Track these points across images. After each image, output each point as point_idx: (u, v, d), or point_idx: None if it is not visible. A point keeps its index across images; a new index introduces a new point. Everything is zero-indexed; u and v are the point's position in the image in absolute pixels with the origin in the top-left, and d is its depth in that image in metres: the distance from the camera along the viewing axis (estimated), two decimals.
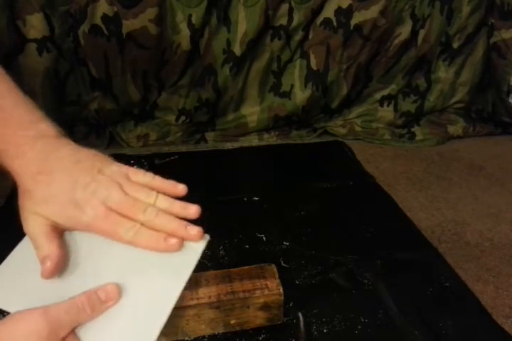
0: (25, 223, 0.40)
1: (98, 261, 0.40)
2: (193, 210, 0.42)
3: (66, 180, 0.40)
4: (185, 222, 0.41)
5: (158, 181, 0.44)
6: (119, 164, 0.43)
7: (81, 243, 0.41)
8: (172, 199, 0.43)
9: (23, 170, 0.41)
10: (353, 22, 1.12)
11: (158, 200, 0.42)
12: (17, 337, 0.33)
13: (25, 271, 0.39)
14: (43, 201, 0.39)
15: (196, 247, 0.42)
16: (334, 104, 1.25)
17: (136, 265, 0.40)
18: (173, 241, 0.40)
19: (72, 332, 0.35)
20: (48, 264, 0.37)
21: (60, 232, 0.40)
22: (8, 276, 0.39)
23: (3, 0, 0.92)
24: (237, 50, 1.10)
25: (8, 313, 0.36)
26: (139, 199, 0.41)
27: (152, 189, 0.42)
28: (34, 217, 0.39)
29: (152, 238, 0.40)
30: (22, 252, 0.40)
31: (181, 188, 0.44)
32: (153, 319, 0.38)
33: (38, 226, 0.39)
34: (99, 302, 0.36)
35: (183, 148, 1.18)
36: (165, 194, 0.43)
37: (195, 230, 0.41)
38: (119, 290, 0.37)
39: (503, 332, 0.64)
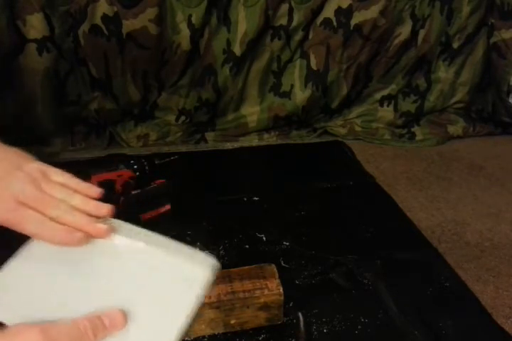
0: None
1: (101, 277, 0.38)
2: (106, 209, 0.42)
3: None
4: (95, 219, 0.41)
5: (74, 182, 0.43)
6: (41, 163, 0.43)
7: (81, 257, 0.39)
8: (87, 199, 0.42)
9: None
10: (353, 22, 1.12)
11: (73, 198, 0.41)
12: None
13: (25, 280, 0.38)
14: None
15: (200, 276, 0.38)
16: (334, 104, 1.25)
17: (141, 285, 0.37)
18: (79, 234, 0.39)
19: None
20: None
21: None
22: (7, 284, 0.38)
23: (3, 0, 0.92)
24: (237, 50, 1.10)
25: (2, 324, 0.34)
26: (53, 195, 0.41)
27: (69, 188, 0.42)
28: None
29: (58, 231, 0.39)
30: (22, 259, 0.40)
31: (95, 191, 0.43)
32: None
33: None
34: (102, 328, 0.34)
35: (183, 148, 1.18)
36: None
37: (103, 226, 0.40)
38: (125, 317, 0.34)
39: (503, 332, 0.64)
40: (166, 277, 0.38)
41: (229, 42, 1.10)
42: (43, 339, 0.31)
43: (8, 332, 0.32)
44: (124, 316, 0.34)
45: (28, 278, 0.38)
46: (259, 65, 1.16)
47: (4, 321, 0.34)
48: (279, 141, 1.24)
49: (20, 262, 0.39)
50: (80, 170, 0.63)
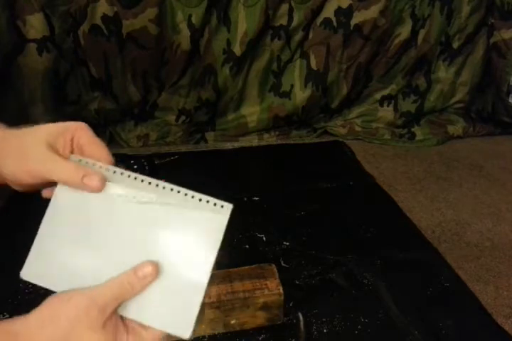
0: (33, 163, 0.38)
1: (127, 230, 0.40)
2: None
3: None
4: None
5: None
6: None
7: (101, 213, 0.40)
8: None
9: None
10: (353, 22, 1.12)
11: None
12: (65, 318, 0.34)
13: (60, 244, 0.39)
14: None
15: (221, 218, 0.42)
16: (334, 104, 1.25)
17: (166, 236, 0.40)
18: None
19: (115, 314, 0.37)
20: (94, 181, 0.38)
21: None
22: (45, 252, 0.39)
23: (3, 0, 0.92)
24: (237, 50, 1.10)
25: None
26: None
27: None
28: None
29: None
30: (51, 224, 0.40)
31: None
32: (192, 290, 0.39)
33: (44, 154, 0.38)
34: (138, 280, 0.37)
35: (183, 148, 1.18)
36: None
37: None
38: (156, 268, 0.38)
39: (503, 332, 0.64)
40: (187, 226, 0.41)
41: (229, 42, 1.10)
42: (91, 303, 0.35)
43: (61, 298, 0.35)
44: (155, 266, 0.38)
45: (63, 240, 0.39)
46: (259, 65, 1.16)
47: (52, 288, 0.37)
48: (279, 141, 1.24)
49: (49, 226, 0.39)
50: None
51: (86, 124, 0.41)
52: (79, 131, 0.40)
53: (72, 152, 0.40)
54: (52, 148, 0.38)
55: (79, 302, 0.35)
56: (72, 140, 0.40)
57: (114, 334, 0.36)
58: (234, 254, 0.77)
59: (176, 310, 0.39)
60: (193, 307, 0.39)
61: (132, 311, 0.37)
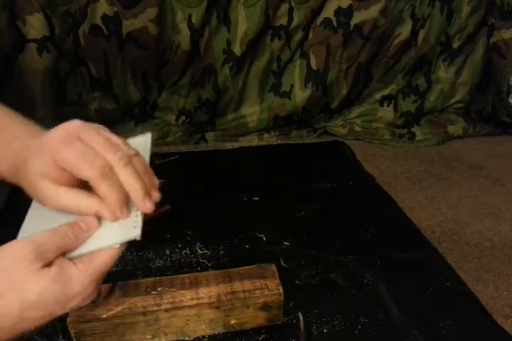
0: (42, 194, 0.41)
1: None
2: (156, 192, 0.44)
3: None
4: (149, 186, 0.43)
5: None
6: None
7: None
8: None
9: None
10: (353, 22, 1.12)
11: (134, 159, 0.43)
12: (6, 263, 0.35)
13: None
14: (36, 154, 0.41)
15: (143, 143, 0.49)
16: (334, 104, 1.25)
17: None
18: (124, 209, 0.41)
19: (61, 256, 0.38)
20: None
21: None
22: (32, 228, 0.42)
23: (3, 0, 0.92)
24: (237, 50, 1.10)
25: None
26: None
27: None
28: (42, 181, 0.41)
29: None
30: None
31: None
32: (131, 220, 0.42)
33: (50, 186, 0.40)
34: (80, 230, 0.39)
35: (183, 148, 1.18)
36: None
37: (150, 203, 0.42)
38: (97, 220, 0.41)
39: (503, 332, 0.64)
40: None
41: (229, 42, 1.10)
42: (30, 245, 0.36)
43: (6, 244, 0.37)
44: (96, 219, 0.40)
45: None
46: (259, 64, 1.16)
47: None
48: (279, 141, 1.24)
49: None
50: None
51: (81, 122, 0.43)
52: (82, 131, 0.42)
53: None
54: None
55: (20, 246, 0.36)
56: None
57: (58, 273, 0.37)
58: (234, 254, 0.77)
59: (120, 224, 0.41)
60: (137, 215, 0.42)
61: (76, 251, 0.40)
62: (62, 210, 0.41)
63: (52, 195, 0.40)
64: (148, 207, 0.41)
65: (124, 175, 0.40)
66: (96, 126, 0.45)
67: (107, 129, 0.45)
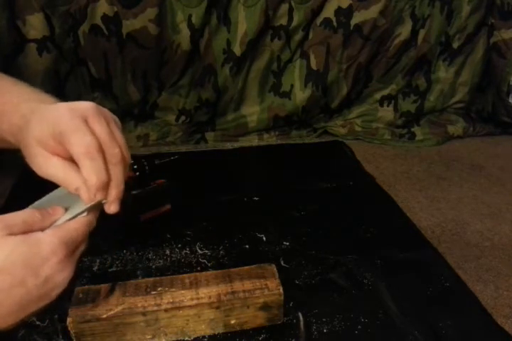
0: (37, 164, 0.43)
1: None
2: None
3: None
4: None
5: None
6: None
7: None
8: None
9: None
10: (353, 22, 1.12)
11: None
12: None
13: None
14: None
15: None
16: (334, 104, 1.25)
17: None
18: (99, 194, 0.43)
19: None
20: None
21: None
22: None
23: (3, 0, 0.92)
24: (237, 50, 1.10)
25: None
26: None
27: None
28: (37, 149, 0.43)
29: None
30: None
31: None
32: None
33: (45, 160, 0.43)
34: (47, 213, 0.41)
35: (183, 148, 1.18)
36: None
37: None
38: (62, 209, 0.43)
39: (503, 332, 0.64)
40: None
41: (229, 42, 1.10)
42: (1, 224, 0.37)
43: None
44: (62, 209, 0.43)
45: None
46: (259, 64, 1.16)
47: None
48: (279, 141, 1.24)
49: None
50: None
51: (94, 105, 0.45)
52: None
53: None
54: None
55: None
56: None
57: (25, 237, 0.38)
58: (234, 254, 0.77)
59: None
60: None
61: None
62: (49, 179, 0.43)
63: (43, 162, 0.42)
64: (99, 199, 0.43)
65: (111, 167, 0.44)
66: (110, 115, 0.46)
67: (119, 123, 0.47)
